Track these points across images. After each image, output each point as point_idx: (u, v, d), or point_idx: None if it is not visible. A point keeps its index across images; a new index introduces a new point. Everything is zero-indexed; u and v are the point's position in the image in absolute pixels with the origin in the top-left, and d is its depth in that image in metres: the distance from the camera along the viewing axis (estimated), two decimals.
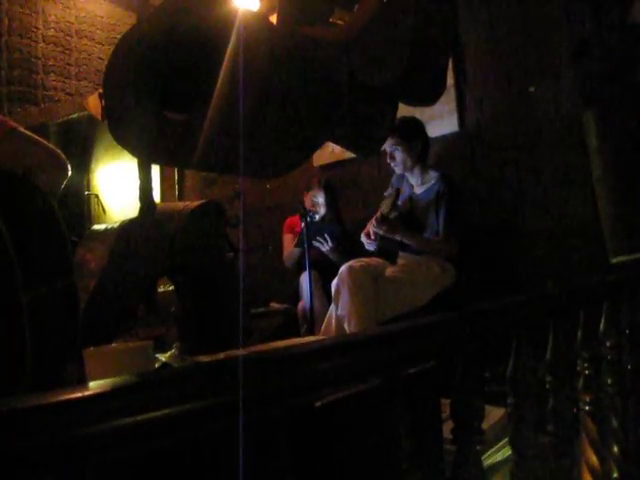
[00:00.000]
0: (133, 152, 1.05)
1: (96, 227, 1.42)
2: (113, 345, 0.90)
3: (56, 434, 0.46)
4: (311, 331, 2.90)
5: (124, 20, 4.30)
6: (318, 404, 0.74)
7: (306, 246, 3.00)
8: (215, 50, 1.11)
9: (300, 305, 3.32)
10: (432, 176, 2.88)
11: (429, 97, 1.57)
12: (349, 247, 3.36)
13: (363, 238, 3.07)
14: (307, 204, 3.51)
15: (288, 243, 3.63)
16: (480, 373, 0.97)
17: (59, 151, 1.19)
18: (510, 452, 1.21)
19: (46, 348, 0.95)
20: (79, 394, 0.49)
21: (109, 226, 1.27)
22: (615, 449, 1.46)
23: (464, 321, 1.00)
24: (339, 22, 1.43)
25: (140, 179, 1.45)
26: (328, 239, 3.35)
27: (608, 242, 1.81)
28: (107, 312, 1.19)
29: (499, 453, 1.34)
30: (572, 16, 2.50)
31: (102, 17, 4.19)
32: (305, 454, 0.73)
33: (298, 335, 3.09)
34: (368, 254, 3.03)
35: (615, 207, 1.74)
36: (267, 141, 1.11)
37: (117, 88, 1.05)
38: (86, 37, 4.10)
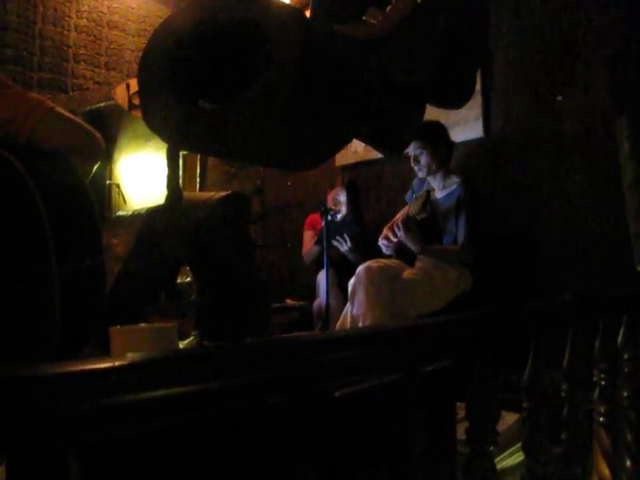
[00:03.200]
0: (164, 138, 1.06)
1: (122, 213, 1.44)
2: (138, 325, 0.92)
3: (78, 403, 0.47)
4: (326, 329, 2.90)
5: (155, 12, 4.35)
6: (337, 394, 0.75)
7: (325, 245, 3.01)
8: (249, 42, 1.13)
9: (316, 302, 3.33)
10: (454, 181, 2.88)
11: (457, 100, 1.57)
12: (368, 248, 3.36)
13: (381, 242, 3.08)
14: (329, 202, 3.52)
15: (308, 240, 3.64)
16: (497, 375, 0.97)
17: (96, 132, 1.21)
18: (522, 457, 1.21)
19: (74, 320, 0.97)
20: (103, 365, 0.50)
21: (135, 212, 1.28)
22: (628, 463, 1.45)
23: (483, 322, 1.00)
24: (371, 21, 1.44)
25: (168, 167, 1.47)
26: (347, 239, 3.35)
27: (636, 251, 1.81)
28: (131, 296, 1.21)
29: (510, 458, 1.34)
30: (604, 23, 2.49)
31: (134, 9, 4.25)
32: (322, 442, 0.74)
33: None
34: (386, 256, 3.04)
35: None
36: (295, 134, 1.12)
37: (151, 75, 1.07)
38: (117, 28, 4.16)
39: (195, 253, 1.30)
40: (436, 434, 0.92)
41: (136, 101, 4.14)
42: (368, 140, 1.53)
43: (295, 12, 1.06)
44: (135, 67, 4.28)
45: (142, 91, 1.08)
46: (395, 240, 2.98)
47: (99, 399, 0.48)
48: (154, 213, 1.29)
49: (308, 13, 1.46)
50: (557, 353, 1.23)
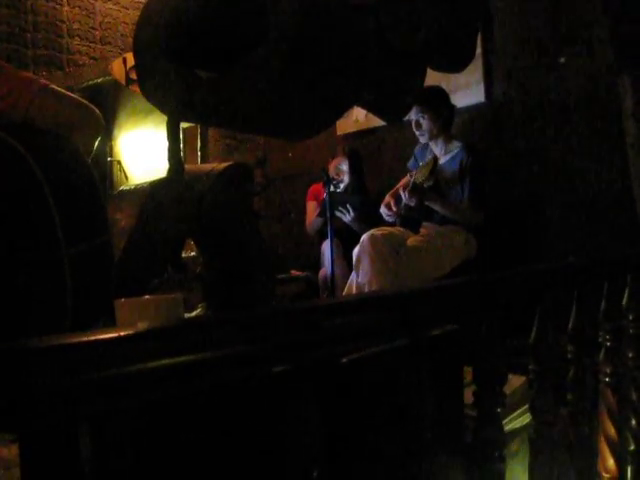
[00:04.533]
0: (163, 110, 1.06)
1: (125, 187, 1.44)
2: (144, 297, 0.92)
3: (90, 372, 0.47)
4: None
5: None
6: (344, 360, 0.75)
7: (329, 215, 3.00)
8: (245, 9, 1.11)
9: (321, 272, 3.34)
10: (456, 145, 2.86)
11: (458, 63, 1.54)
12: (371, 217, 3.35)
13: (383, 209, 3.07)
14: (331, 172, 3.50)
15: (311, 210, 3.63)
16: (504, 338, 0.98)
17: (93, 107, 1.20)
18: (529, 419, 1.22)
19: (84, 302, 0.98)
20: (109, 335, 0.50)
21: (139, 186, 1.28)
22: (633, 422, 1.47)
23: (489, 285, 1.00)
24: None
25: (169, 139, 1.45)
26: (350, 209, 3.34)
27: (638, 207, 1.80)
28: (137, 270, 1.21)
29: (518, 420, 1.36)
30: None
31: None
32: (331, 408, 0.75)
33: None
34: (389, 223, 3.03)
35: None
36: (295, 101, 1.11)
37: (147, 47, 1.05)
38: (111, 1, 4.08)
39: (198, 225, 1.29)
40: (443, 398, 0.92)
41: (134, 76, 4.07)
42: (368, 107, 1.51)
43: None
44: (131, 41, 4.22)
45: (138, 64, 1.06)
46: (395, 210, 2.98)
47: (105, 369, 0.48)
48: (157, 186, 1.29)
49: None
50: (563, 315, 1.23)
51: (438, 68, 1.55)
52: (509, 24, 3.03)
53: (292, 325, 0.67)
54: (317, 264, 3.46)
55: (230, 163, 1.41)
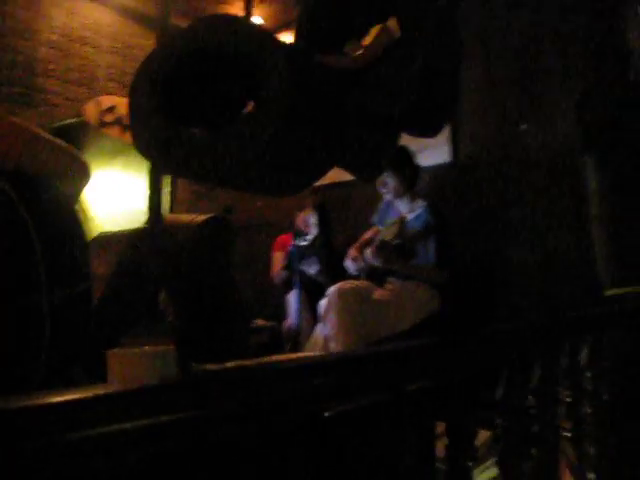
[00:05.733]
0: (150, 161, 1.09)
1: (103, 233, 1.45)
2: (135, 348, 0.93)
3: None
4: (295, 349, 2.93)
5: (128, 30, 4.36)
6: (327, 414, 0.78)
7: (295, 267, 3.05)
8: (235, 69, 1.17)
9: (286, 323, 3.35)
10: (420, 204, 2.96)
11: (432, 130, 1.64)
12: (337, 270, 3.41)
13: (348, 263, 3.15)
14: (299, 224, 3.56)
15: (277, 261, 3.67)
16: (475, 395, 1.02)
17: (82, 156, 1.23)
18: (493, 473, 1.26)
19: (61, 348, 0.98)
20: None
21: (117, 232, 1.30)
22: (591, 476, 1.52)
23: (459, 345, 1.05)
24: (351, 53, 1.50)
25: (150, 189, 1.49)
26: (316, 262, 3.40)
27: (602, 275, 1.91)
28: (114, 317, 1.22)
29: (483, 474, 1.39)
30: (571, 69, 2.63)
31: (106, 26, 4.25)
32: (313, 461, 0.77)
33: (282, 353, 3.12)
34: (355, 276, 3.10)
35: (611, 243, 1.84)
36: (280, 163, 1.17)
37: (140, 99, 1.10)
38: (89, 44, 4.15)
39: (175, 276, 1.32)
40: (416, 452, 0.96)
41: (107, 118, 4.13)
42: (346, 166, 1.58)
43: (286, 48, 1.10)
44: (107, 84, 4.27)
45: (131, 114, 1.10)
46: (362, 263, 3.06)
47: (74, 431, 0.48)
48: (138, 234, 1.31)
49: (286, 35, 1.52)
50: (529, 371, 1.29)
51: (413, 133, 1.64)
52: (475, 89, 3.21)
53: (270, 383, 0.69)
54: (281, 314, 3.48)
55: (210, 215, 1.45)
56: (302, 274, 3.22)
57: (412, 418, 0.92)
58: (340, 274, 3.19)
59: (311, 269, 3.39)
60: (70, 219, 1.07)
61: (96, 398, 0.53)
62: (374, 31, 1.49)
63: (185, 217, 1.47)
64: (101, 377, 1.05)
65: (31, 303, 0.94)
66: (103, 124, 4.05)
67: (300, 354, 2.22)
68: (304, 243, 3.47)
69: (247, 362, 1.05)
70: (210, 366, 1.06)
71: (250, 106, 1.14)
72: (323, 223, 3.62)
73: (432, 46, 1.49)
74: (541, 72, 2.93)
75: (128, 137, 4.29)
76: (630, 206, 1.80)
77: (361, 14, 1.60)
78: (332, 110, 1.26)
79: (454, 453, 0.97)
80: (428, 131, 1.68)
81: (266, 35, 1.08)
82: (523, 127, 2.99)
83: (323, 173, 1.40)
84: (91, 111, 4.04)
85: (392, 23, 1.51)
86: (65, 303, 0.99)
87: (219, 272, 1.38)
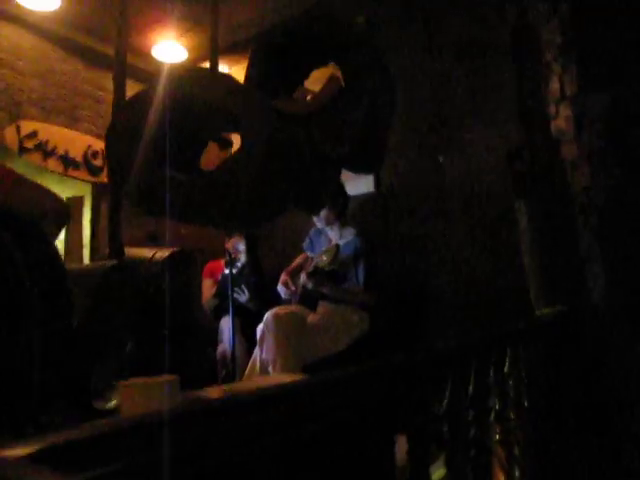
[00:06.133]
0: (131, 201, 1.17)
1: (72, 266, 1.49)
2: (143, 380, 0.99)
3: None
4: (232, 376, 2.98)
5: (49, 54, 4.30)
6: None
7: (230, 293, 3.12)
8: (208, 119, 1.28)
9: (220, 349, 3.39)
10: (350, 232, 3.14)
11: (371, 167, 1.82)
12: (267, 295, 3.51)
13: (280, 288, 3.27)
14: (229, 249, 3.63)
15: (207, 288, 3.71)
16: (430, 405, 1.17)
17: (62, 198, 1.27)
18: (441, 474, 1.42)
19: (47, 381, 1.03)
20: None
21: (81, 267, 1.34)
22: (517, 473, 1.72)
23: (406, 364, 1.19)
24: (301, 98, 1.65)
25: (110, 224, 1.55)
26: (245, 289, 3.49)
27: (533, 299, 2.15)
28: (88, 350, 1.26)
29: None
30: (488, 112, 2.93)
31: (25, 49, 4.16)
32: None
33: (215, 382, 3.15)
34: (286, 301, 3.23)
35: (540, 272, 2.09)
36: (248, 201, 1.28)
37: (120, 144, 1.18)
38: (6, 67, 4.05)
39: (144, 309, 1.38)
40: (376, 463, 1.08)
41: (27, 144, 4.02)
42: (295, 202, 1.72)
43: (265, 103, 1.23)
44: (29, 109, 4.15)
45: (111, 156, 1.18)
46: (293, 288, 3.20)
47: None
48: (106, 270, 1.36)
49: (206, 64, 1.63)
50: (467, 383, 1.46)
51: (353, 170, 1.81)
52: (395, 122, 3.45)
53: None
54: (214, 341, 3.52)
55: (174, 250, 1.52)
56: (234, 300, 3.29)
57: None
58: (270, 300, 3.30)
59: (241, 297, 3.47)
60: (53, 257, 1.12)
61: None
62: (323, 78, 1.64)
63: (144, 252, 1.53)
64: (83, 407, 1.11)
65: (22, 339, 0.99)
66: (24, 150, 3.95)
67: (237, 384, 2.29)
68: (234, 271, 3.55)
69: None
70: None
71: (223, 152, 1.25)
72: (251, 250, 3.72)
73: (374, 93, 1.66)
74: (455, 116, 3.22)
75: (50, 164, 4.21)
76: (556, 241, 2.07)
77: (303, 60, 1.75)
78: (291, 152, 1.39)
79: (414, 457, 1.11)
80: (367, 169, 1.86)
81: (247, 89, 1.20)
82: (440, 159, 3.25)
83: (285, 209, 1.53)
84: (10, 136, 3.93)
85: (337, 72, 1.68)
86: (52, 336, 1.04)
87: (185, 303, 1.45)
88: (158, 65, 4.42)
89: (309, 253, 3.38)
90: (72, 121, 4.43)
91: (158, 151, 1.14)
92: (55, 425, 1.09)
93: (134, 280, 1.33)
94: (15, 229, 1.02)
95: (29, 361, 1.01)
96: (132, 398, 0.93)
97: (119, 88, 1.67)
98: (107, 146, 1.19)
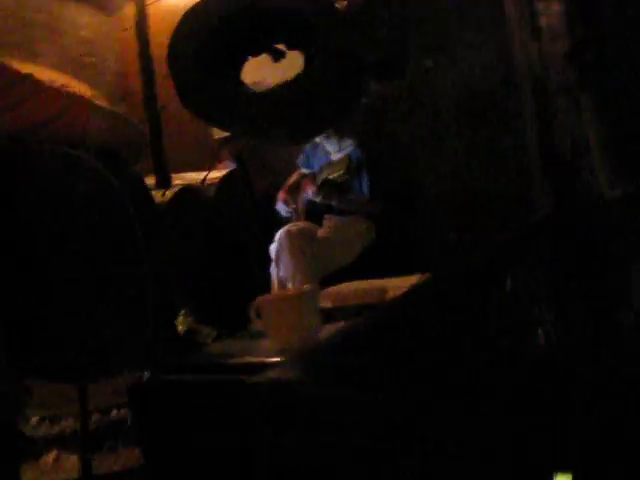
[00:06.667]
0: (206, 120, 1.13)
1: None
2: (282, 292, 1.02)
3: None
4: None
5: None
6: None
7: None
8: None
9: None
10: (348, 142, 3.13)
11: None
12: (264, 217, 3.49)
13: (280, 206, 3.28)
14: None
15: None
16: None
17: (141, 127, 1.22)
18: None
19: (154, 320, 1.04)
20: None
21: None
22: None
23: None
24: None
25: (154, 152, 1.51)
26: None
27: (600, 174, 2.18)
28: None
29: None
30: None
31: None
32: None
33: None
34: (288, 219, 3.26)
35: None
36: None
37: (185, 60, 1.13)
38: None
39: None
40: None
41: None
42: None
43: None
44: None
45: (175, 75, 1.13)
46: (294, 206, 3.22)
47: None
48: (179, 195, 1.31)
49: None
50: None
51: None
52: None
53: None
54: None
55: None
56: None
57: None
58: (266, 219, 3.29)
59: None
60: (145, 191, 1.10)
61: None
62: None
63: (194, 175, 1.51)
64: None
65: (136, 272, 0.99)
66: None
67: None
68: None
69: None
70: None
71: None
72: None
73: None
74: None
75: None
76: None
77: None
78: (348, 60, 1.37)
79: None
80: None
81: None
82: (428, 63, 3.21)
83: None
84: None
85: None
86: (155, 270, 1.05)
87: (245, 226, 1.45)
88: None
89: (305, 170, 3.37)
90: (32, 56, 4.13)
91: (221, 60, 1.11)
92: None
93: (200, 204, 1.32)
94: (106, 161, 1.00)
95: (142, 295, 1.02)
96: (277, 311, 0.96)
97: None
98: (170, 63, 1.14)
